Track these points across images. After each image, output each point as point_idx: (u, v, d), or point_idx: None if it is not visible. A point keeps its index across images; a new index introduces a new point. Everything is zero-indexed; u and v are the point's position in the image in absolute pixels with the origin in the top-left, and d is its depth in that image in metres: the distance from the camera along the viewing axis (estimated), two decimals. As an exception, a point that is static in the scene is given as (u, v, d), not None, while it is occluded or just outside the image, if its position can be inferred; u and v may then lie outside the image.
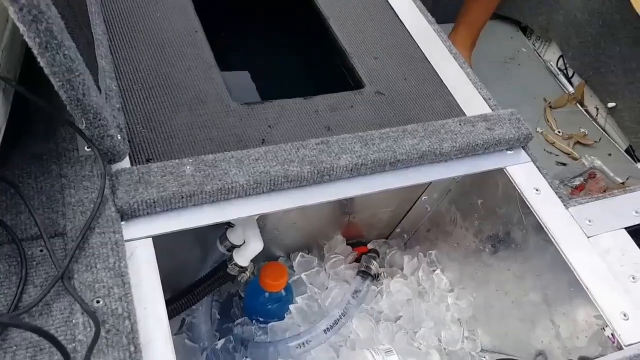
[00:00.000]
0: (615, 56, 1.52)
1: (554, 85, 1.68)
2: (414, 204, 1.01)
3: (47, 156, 0.60)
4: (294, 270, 0.97)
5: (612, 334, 0.66)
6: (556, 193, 0.79)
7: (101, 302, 0.52)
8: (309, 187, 0.71)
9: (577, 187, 1.31)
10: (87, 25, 0.68)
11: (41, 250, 0.55)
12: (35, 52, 0.47)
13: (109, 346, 0.50)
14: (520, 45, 1.78)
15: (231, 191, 0.66)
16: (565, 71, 1.68)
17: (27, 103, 0.62)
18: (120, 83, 0.75)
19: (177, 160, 0.66)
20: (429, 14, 1.04)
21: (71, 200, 0.58)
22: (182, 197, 0.63)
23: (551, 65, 1.71)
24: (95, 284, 0.53)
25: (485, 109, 0.87)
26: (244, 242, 0.80)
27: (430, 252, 1.03)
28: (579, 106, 1.62)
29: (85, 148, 0.62)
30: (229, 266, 0.80)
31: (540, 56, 1.75)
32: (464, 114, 0.87)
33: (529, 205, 0.78)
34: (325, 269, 0.98)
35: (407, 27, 1.00)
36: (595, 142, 1.52)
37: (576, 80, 1.65)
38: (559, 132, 1.53)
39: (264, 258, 0.96)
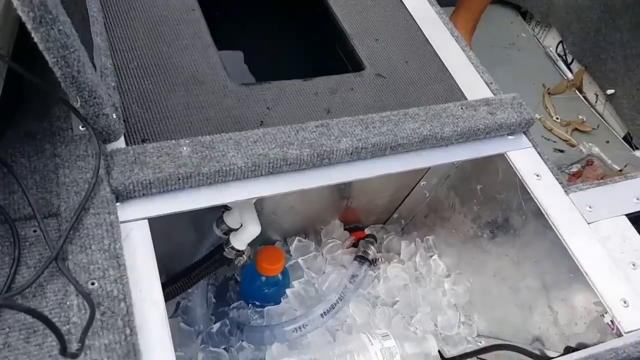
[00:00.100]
0: (616, 42, 1.51)
1: (553, 71, 1.67)
2: (412, 190, 1.00)
3: (41, 135, 0.59)
4: (291, 255, 0.97)
5: (611, 321, 0.66)
6: (557, 179, 0.78)
7: (96, 284, 0.51)
8: (308, 170, 0.70)
9: (575, 174, 1.31)
10: (82, 2, 0.66)
11: (34, 231, 0.53)
12: (29, 27, 0.45)
13: (104, 328, 0.49)
14: (520, 31, 1.76)
15: (229, 173, 0.65)
16: (564, 57, 1.67)
17: (20, 81, 0.60)
18: (115, 61, 0.73)
19: (173, 141, 0.64)
20: (430, -4, 1.02)
21: (65, 180, 0.56)
22: (179, 179, 0.62)
23: (550, 51, 1.70)
24: (90, 266, 0.52)
25: (487, 93, 0.86)
26: (241, 225, 0.79)
27: (427, 237, 1.02)
28: (577, 93, 1.61)
29: (80, 127, 0.60)
30: (226, 250, 0.79)
31: (539, 42, 1.74)
32: (465, 98, 0.85)
33: (530, 191, 0.77)
34: (322, 254, 0.98)
35: (408, 9, 0.99)
36: (594, 129, 1.52)
37: (575, 66, 1.64)
38: (557, 118, 1.52)
39: (260, 242, 0.95)
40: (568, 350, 0.71)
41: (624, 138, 1.50)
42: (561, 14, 1.64)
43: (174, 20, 0.82)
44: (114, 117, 0.58)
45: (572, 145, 1.45)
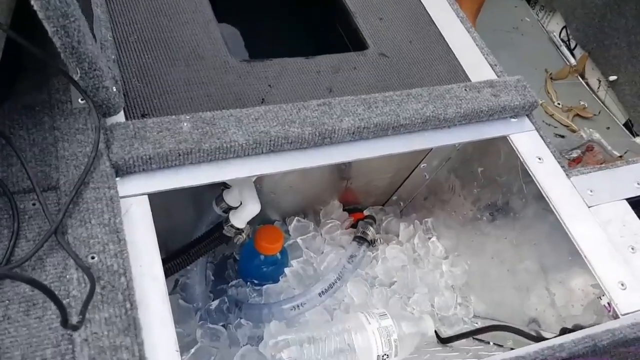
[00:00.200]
0: (620, 29, 1.49)
1: (556, 56, 1.65)
2: (412, 172, 1.00)
3: (40, 107, 0.58)
4: (290, 235, 0.97)
5: (608, 303, 0.66)
6: (559, 162, 0.78)
7: (96, 258, 0.51)
8: (309, 149, 0.69)
9: (575, 159, 1.31)
10: (81, -29, 0.64)
11: (33, 204, 0.53)
12: (28, -7, 0.44)
13: (104, 302, 0.49)
14: (524, 15, 1.74)
15: (229, 150, 0.64)
16: (568, 42, 1.65)
17: (18, 51, 0.59)
18: (114, 34, 0.72)
19: (174, 117, 0.64)
20: (436, -25, 1.01)
21: (64, 154, 0.55)
22: (179, 155, 0.61)
23: (554, 36, 1.68)
24: (89, 240, 0.52)
25: (491, 75, 0.85)
26: (241, 203, 0.79)
27: (426, 220, 1.03)
28: (580, 79, 1.60)
29: (79, 100, 0.59)
30: (225, 228, 0.79)
31: (543, 26, 1.72)
32: (469, 80, 0.85)
33: (531, 174, 0.77)
34: (321, 234, 0.98)
35: (413, -13, 0.97)
36: (595, 115, 1.51)
37: (578, 52, 1.63)
38: (559, 104, 1.52)
39: (259, 221, 0.95)
40: (564, 331, 0.71)
41: (625, 125, 1.50)
42: (566, -1, 1.62)
43: (175, -6, 0.80)
44: (114, 90, 0.57)
45: (573, 131, 1.45)
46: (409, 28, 0.90)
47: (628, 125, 1.49)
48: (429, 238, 1.01)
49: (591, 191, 0.75)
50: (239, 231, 0.79)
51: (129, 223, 0.56)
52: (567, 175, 0.77)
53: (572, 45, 1.64)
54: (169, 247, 0.81)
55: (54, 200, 0.54)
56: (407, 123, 0.73)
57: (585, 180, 0.76)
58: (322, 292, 0.85)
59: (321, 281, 0.87)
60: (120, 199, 0.56)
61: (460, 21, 0.93)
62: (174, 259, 0.78)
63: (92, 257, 0.51)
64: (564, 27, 1.65)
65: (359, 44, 0.88)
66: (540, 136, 0.81)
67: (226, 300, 0.85)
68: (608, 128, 1.49)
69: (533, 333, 0.77)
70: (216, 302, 0.84)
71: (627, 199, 0.75)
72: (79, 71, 0.52)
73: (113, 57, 0.63)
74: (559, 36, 1.67)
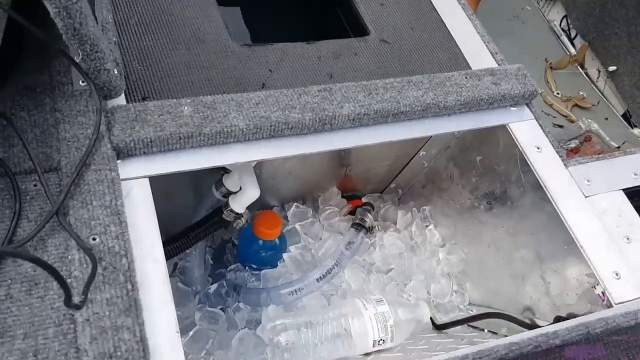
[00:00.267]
0: (621, 19, 1.49)
1: (556, 45, 1.65)
2: (411, 160, 1.00)
3: (41, 89, 0.58)
4: (288, 220, 0.97)
5: (602, 292, 0.67)
6: (557, 152, 0.79)
7: (97, 240, 0.51)
8: (309, 135, 0.69)
9: (573, 149, 1.31)
10: (81, -49, 0.64)
11: (35, 185, 0.53)
12: (29, -27, 0.44)
13: (105, 283, 0.49)
14: (525, 3, 1.74)
15: (230, 135, 0.64)
16: (568, 32, 1.65)
17: (20, 32, 0.58)
18: (115, 16, 0.72)
19: (174, 100, 0.64)
20: (438, -39, 1.00)
21: (66, 136, 0.55)
22: (180, 138, 0.61)
23: (555, 25, 1.67)
24: (91, 221, 0.52)
25: (492, 63, 0.85)
26: (240, 188, 0.79)
27: (424, 208, 1.03)
28: (579, 68, 1.60)
29: (80, 82, 0.59)
30: (225, 212, 0.79)
31: (544, 15, 1.71)
32: (469, 67, 0.85)
33: (530, 163, 0.77)
34: (319, 220, 0.98)
35: (415, -27, 0.96)
36: (593, 105, 1.51)
37: (579, 42, 1.62)
38: (558, 93, 1.52)
39: (258, 207, 0.95)
40: (558, 319, 0.72)
41: (623, 115, 1.50)
42: (568, -13, 1.61)
43: (175, -24, 0.80)
44: (115, 72, 0.57)
45: (572, 121, 1.45)
46: (411, 14, 0.90)
47: (626, 116, 1.50)
48: (427, 226, 1.01)
49: (588, 181, 0.75)
50: (239, 216, 0.80)
51: (130, 205, 0.56)
52: (565, 165, 0.77)
53: (573, 35, 1.64)
54: (169, 230, 0.82)
55: (55, 181, 0.54)
56: (407, 110, 0.73)
57: (583, 170, 0.77)
58: (320, 277, 0.86)
59: (319, 267, 0.87)
60: (121, 181, 0.57)
61: (462, 8, 0.92)
62: (174, 243, 0.79)
63: (94, 239, 0.51)
64: (565, 16, 1.65)
65: (360, 30, 0.87)
66: (539, 125, 0.81)
67: (225, 284, 0.86)
68: (606, 119, 1.50)
69: (527, 321, 0.78)
70: (215, 286, 0.85)
71: (624, 190, 0.75)
72: (80, 53, 0.52)
73: (114, 39, 0.63)
74: (560, 25, 1.67)
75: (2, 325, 0.46)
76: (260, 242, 0.88)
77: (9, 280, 0.48)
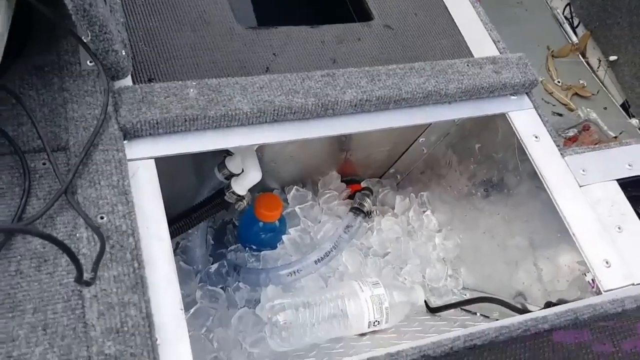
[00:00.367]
0: (623, 8, 1.49)
1: (558, 33, 1.65)
2: (410, 146, 1.02)
3: (49, 68, 0.58)
4: (288, 203, 0.98)
5: (592, 280, 0.69)
6: (554, 141, 0.80)
7: (105, 219, 0.53)
8: (312, 120, 0.70)
9: (571, 138, 1.32)
10: None
11: (44, 164, 0.54)
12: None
13: (113, 261, 0.51)
14: (529, -10, 1.73)
15: (234, 118, 0.65)
16: (571, 20, 1.64)
17: (29, 11, 0.58)
18: (121, -3, 0.72)
19: (180, 82, 0.64)
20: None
21: (74, 115, 0.56)
22: (185, 120, 0.62)
23: (558, 13, 1.67)
24: (99, 201, 0.53)
25: (494, 51, 0.86)
26: (243, 171, 0.80)
27: (422, 193, 1.04)
28: (581, 57, 1.60)
29: (88, 62, 0.60)
30: (227, 194, 0.81)
31: (547, 3, 1.71)
32: (471, 55, 0.85)
33: (527, 152, 0.79)
34: (319, 204, 1.00)
35: (420, -42, 0.96)
36: (593, 94, 1.52)
37: (581, 30, 1.62)
38: (559, 82, 1.52)
39: (259, 189, 0.96)
40: (549, 305, 0.75)
41: (622, 105, 1.51)
42: (571, -25, 1.60)
43: (181, -43, 0.80)
44: (123, 53, 0.58)
45: (571, 110, 1.46)
46: (415, 0, 0.90)
47: (625, 106, 1.51)
48: (424, 211, 1.03)
49: (584, 171, 0.77)
50: (240, 198, 0.81)
51: (136, 186, 0.57)
52: (561, 154, 0.79)
53: (575, 23, 1.64)
54: (171, 211, 0.83)
55: (64, 160, 0.55)
56: (409, 97, 0.74)
57: (579, 160, 0.78)
58: (318, 260, 0.88)
59: (317, 249, 0.89)
60: (128, 161, 0.58)
61: (466, -5, 0.93)
62: (176, 223, 0.80)
63: (101, 217, 0.53)
64: (568, 3, 1.64)
65: (364, 15, 0.88)
66: (538, 115, 0.82)
67: (225, 264, 0.87)
68: (605, 108, 1.50)
69: (519, 306, 0.80)
70: (215, 266, 0.87)
71: (618, 180, 0.77)
72: (89, 34, 0.52)
73: (122, 20, 0.63)
74: (563, 13, 1.67)
75: (13, 300, 0.48)
76: (261, 223, 0.90)
77: (19, 257, 0.49)
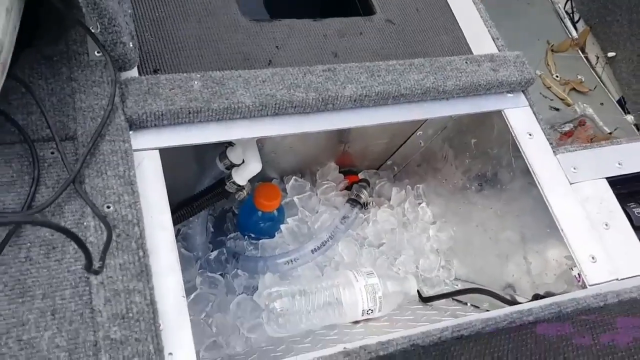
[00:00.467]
0: (624, 5, 1.50)
1: (559, 28, 1.66)
2: (408, 139, 1.03)
3: (58, 58, 0.60)
4: (287, 193, 1.00)
5: (578, 274, 0.72)
6: (547, 139, 0.82)
7: (111, 208, 0.55)
8: (312, 114, 0.72)
9: (567, 133, 1.34)
10: None
11: (52, 153, 0.56)
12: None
13: (119, 249, 0.53)
14: (531, -17, 1.73)
15: (237, 111, 0.67)
16: (572, 15, 1.65)
17: (38, 1, 0.59)
18: (128, -13, 0.73)
19: (185, 74, 0.66)
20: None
21: (82, 105, 0.58)
22: (189, 112, 0.64)
23: (559, 8, 1.68)
24: (105, 190, 0.55)
25: (493, 49, 0.87)
26: (243, 162, 0.82)
27: (418, 186, 1.06)
28: (580, 52, 1.62)
29: (96, 53, 0.61)
30: (227, 184, 0.82)
31: (549, -3, 1.71)
32: (471, 52, 0.87)
33: (521, 149, 0.80)
34: (317, 194, 1.02)
35: (423, -46, 0.97)
36: (590, 90, 1.53)
37: (581, 25, 1.63)
38: (557, 76, 1.54)
39: (258, 179, 0.98)
40: (536, 297, 0.77)
41: (618, 102, 1.52)
42: (573, -30, 1.61)
43: (186, -53, 0.80)
44: (131, 45, 0.59)
45: (568, 105, 1.48)
46: (417, -5, 0.91)
47: (621, 103, 1.52)
48: (419, 203, 1.05)
49: (575, 169, 0.79)
50: (240, 188, 0.83)
51: (141, 176, 0.59)
52: (554, 152, 0.80)
53: (576, 19, 1.65)
54: (173, 199, 0.85)
55: (72, 150, 0.56)
56: (408, 93, 0.75)
57: (570, 158, 0.80)
58: (315, 249, 0.90)
59: (314, 239, 0.91)
60: (134, 152, 0.59)
61: (468, -9, 0.93)
62: (178, 211, 0.82)
63: (108, 207, 0.54)
64: (569, -1, 1.65)
65: (366, 9, 0.89)
66: (533, 112, 0.84)
67: (224, 251, 0.90)
68: (602, 104, 1.52)
69: (508, 297, 0.83)
70: (215, 253, 0.89)
71: (607, 178, 0.79)
72: (99, 26, 0.53)
73: (130, 11, 0.64)
74: (564, 8, 1.67)
75: (23, 286, 0.50)
76: (260, 213, 0.92)
77: (29, 244, 0.51)
